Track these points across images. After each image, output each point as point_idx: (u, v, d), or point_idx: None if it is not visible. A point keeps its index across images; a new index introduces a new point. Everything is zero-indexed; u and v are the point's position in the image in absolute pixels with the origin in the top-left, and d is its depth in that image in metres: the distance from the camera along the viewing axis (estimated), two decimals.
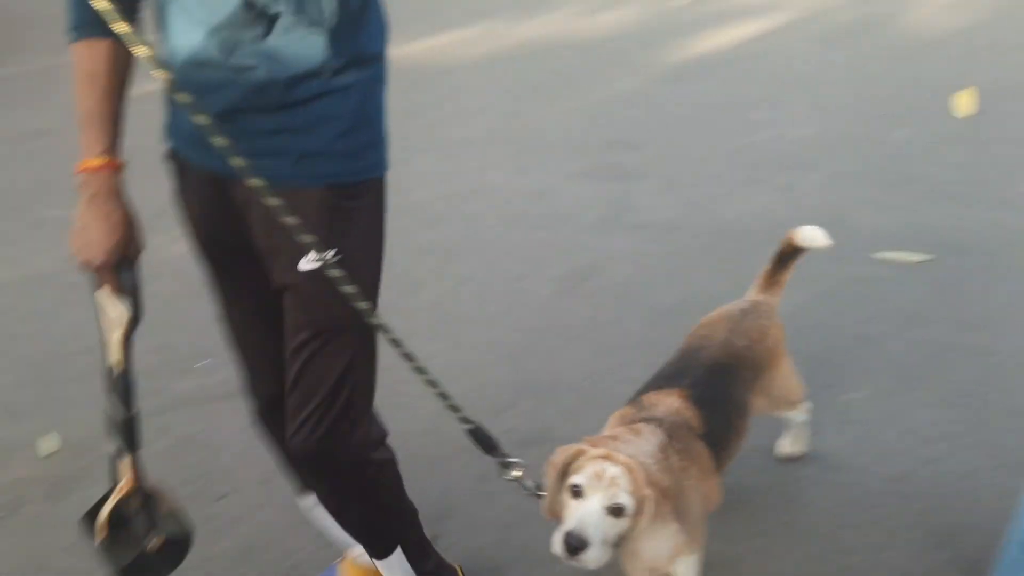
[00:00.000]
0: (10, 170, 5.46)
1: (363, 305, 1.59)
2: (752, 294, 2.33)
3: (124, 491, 1.66)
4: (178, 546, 1.73)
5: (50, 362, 3.36)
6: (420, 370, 1.74)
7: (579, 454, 1.69)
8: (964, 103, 5.00)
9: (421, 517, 2.03)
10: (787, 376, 2.30)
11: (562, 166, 4.78)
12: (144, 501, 1.68)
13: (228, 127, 1.45)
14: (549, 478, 1.73)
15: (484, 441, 1.78)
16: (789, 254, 2.32)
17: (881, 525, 2.30)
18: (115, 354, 1.60)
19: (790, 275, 2.34)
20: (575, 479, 1.64)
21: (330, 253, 1.55)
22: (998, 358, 2.91)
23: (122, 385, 1.62)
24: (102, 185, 1.51)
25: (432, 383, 1.75)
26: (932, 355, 2.96)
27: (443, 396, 1.75)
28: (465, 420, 1.76)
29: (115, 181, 1.53)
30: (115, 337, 1.59)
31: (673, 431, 1.83)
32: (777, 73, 6.19)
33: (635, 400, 1.98)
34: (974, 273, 3.43)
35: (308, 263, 1.57)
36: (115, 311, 1.57)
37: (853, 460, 2.53)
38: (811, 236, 2.27)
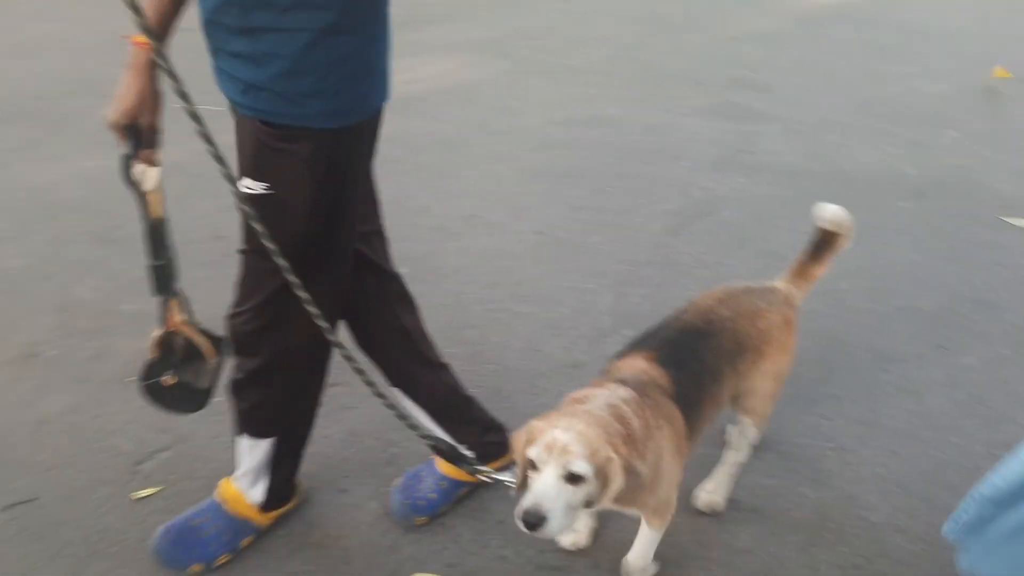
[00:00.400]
0: None
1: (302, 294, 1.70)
2: (777, 280, 2.18)
3: (168, 328, 1.88)
4: (191, 393, 1.94)
5: (180, 247, 3.59)
6: (374, 389, 1.89)
7: (533, 429, 1.65)
8: None
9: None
10: (772, 377, 2.09)
11: (683, 102, 4.69)
12: (176, 344, 1.90)
13: (208, 37, 1.61)
14: (517, 458, 1.71)
15: (449, 454, 1.95)
16: (823, 242, 2.16)
17: (942, 479, 2.26)
18: (157, 211, 1.77)
19: (824, 271, 2.18)
20: (530, 452, 1.60)
21: (260, 186, 1.65)
22: None
23: (160, 235, 1.80)
24: (139, 58, 1.65)
25: (391, 406, 1.91)
26: None
27: (402, 417, 1.92)
28: (427, 438, 1.94)
29: (148, 58, 1.65)
30: (155, 197, 1.76)
31: (642, 390, 1.76)
32: (914, 25, 5.86)
33: (602, 371, 1.92)
34: None
35: (243, 185, 1.68)
36: (150, 178, 1.74)
37: (958, 423, 2.49)
38: (833, 215, 2.11)
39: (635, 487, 1.64)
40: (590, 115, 4.61)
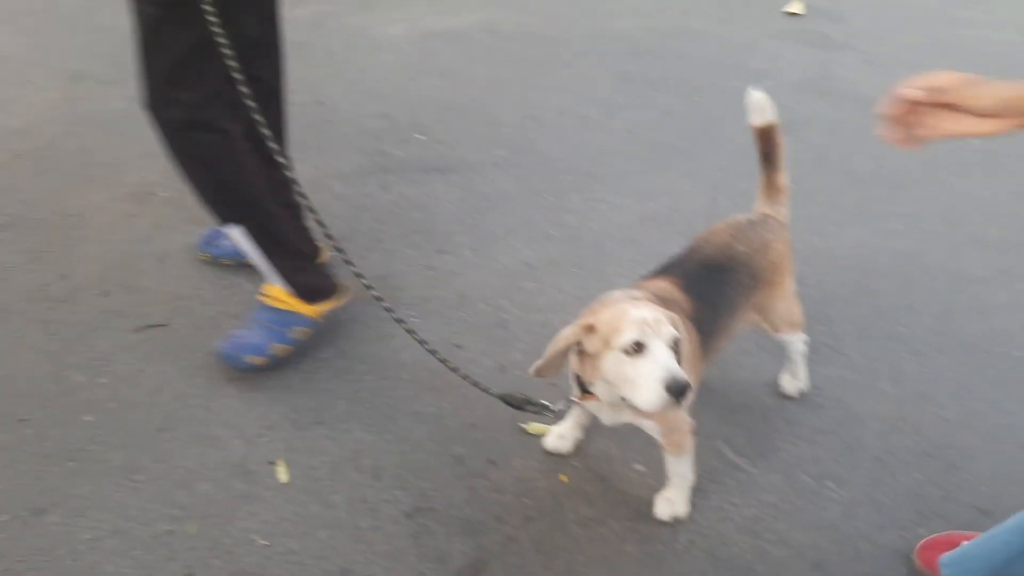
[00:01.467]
0: None
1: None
2: (759, 206, 2.21)
3: None
4: None
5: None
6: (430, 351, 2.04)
7: (588, 329, 1.69)
8: None
9: None
10: (787, 297, 2.21)
11: (766, 24, 4.75)
12: None
13: None
14: (552, 350, 1.75)
15: (514, 403, 2.02)
16: (765, 147, 2.14)
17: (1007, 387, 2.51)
18: None
19: (785, 178, 2.20)
20: (628, 336, 1.62)
21: None
22: None
23: None
24: None
25: (453, 369, 2.04)
26: None
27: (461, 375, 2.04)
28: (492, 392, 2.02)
29: None
30: None
31: (667, 305, 1.81)
32: None
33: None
34: None
35: None
36: None
37: (1021, 340, 2.71)
38: (759, 103, 2.06)
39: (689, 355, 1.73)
40: (677, 26, 4.68)
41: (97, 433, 2.21)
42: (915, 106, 1.27)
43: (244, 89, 1.94)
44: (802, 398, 2.46)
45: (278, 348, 2.40)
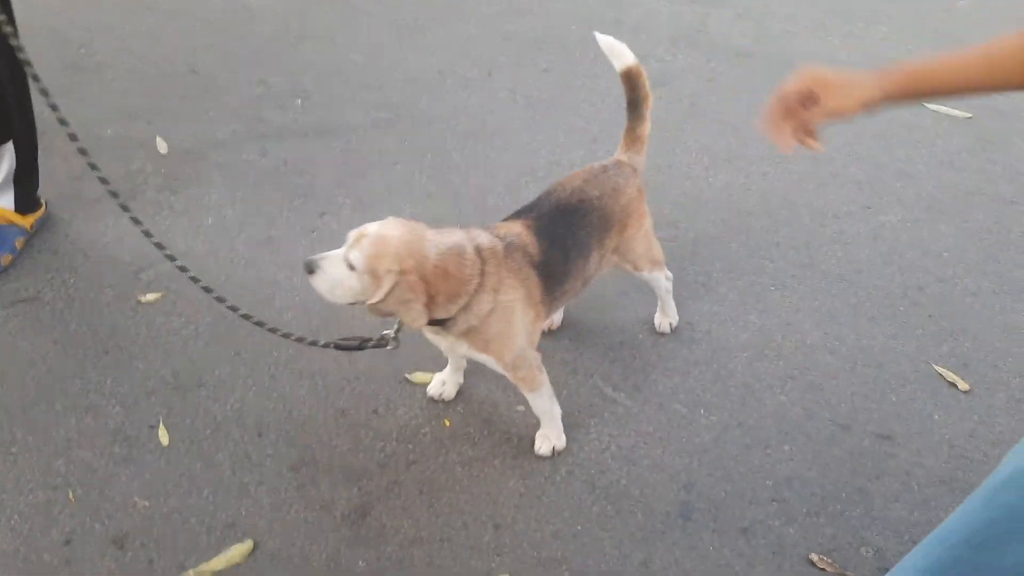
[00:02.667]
0: None
1: None
2: (618, 154, 2.30)
3: None
4: None
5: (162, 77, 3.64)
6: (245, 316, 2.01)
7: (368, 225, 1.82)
8: None
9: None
10: (644, 237, 2.31)
11: None
12: None
13: None
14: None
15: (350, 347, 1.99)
16: (630, 93, 2.24)
17: (892, 322, 2.69)
18: None
19: (647, 128, 2.29)
20: (350, 232, 1.80)
21: None
22: (1019, 207, 3.23)
23: None
24: None
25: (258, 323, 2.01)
26: (959, 196, 3.27)
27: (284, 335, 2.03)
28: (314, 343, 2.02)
29: None
30: None
31: (509, 250, 1.92)
32: None
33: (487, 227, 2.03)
34: (1010, 135, 3.69)
35: None
36: None
37: (879, 269, 2.90)
38: (609, 46, 2.17)
39: (394, 308, 1.77)
40: None
41: None
42: (791, 106, 1.42)
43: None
44: (675, 333, 2.58)
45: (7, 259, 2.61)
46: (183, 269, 1.97)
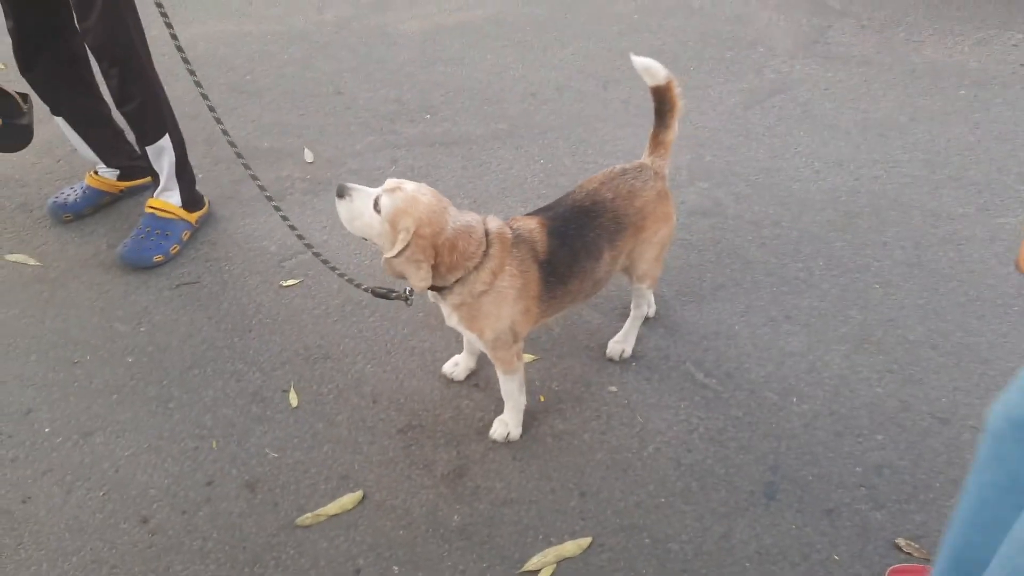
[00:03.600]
0: None
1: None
2: (643, 157, 2.31)
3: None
4: (16, 129, 2.79)
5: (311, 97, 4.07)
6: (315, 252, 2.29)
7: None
8: None
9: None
10: (659, 244, 2.31)
11: None
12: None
13: None
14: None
15: (380, 293, 2.22)
16: (658, 104, 2.25)
17: (1004, 321, 2.63)
18: None
19: (673, 136, 2.29)
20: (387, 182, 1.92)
21: None
22: None
23: None
24: None
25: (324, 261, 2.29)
26: None
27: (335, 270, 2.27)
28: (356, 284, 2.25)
29: None
30: None
31: (517, 244, 2.00)
32: None
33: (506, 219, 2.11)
34: None
35: None
36: None
37: (993, 270, 2.83)
38: (643, 65, 2.17)
39: (404, 267, 1.88)
40: (677, 5, 4.87)
41: (136, 371, 2.55)
42: None
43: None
44: (771, 326, 2.64)
45: (174, 249, 3.00)
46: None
